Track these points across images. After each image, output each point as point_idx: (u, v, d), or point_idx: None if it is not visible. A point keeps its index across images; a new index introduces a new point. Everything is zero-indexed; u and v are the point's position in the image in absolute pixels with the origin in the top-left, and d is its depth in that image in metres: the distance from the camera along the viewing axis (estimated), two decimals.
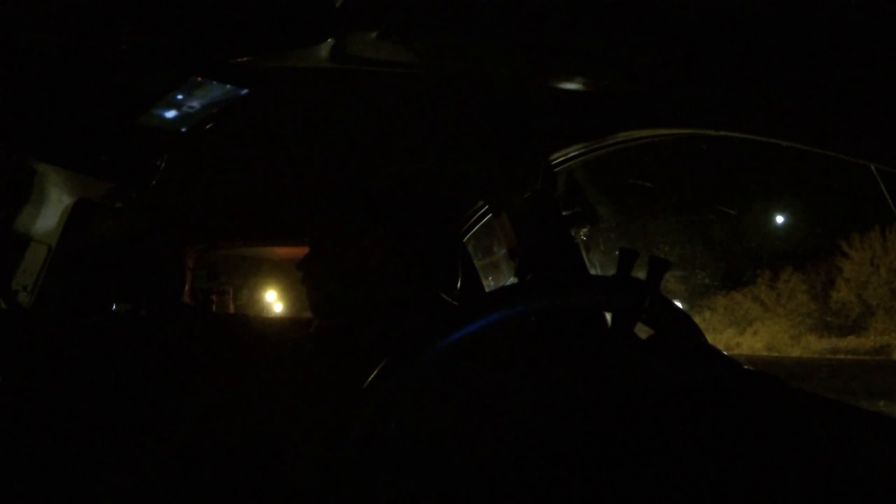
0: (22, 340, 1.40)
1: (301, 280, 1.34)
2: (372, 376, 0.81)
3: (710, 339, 1.02)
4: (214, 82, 1.16)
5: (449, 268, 1.39)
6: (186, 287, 2.40)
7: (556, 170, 1.78)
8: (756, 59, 1.08)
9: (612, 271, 1.00)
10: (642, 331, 1.06)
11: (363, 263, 1.27)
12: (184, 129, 1.30)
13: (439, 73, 1.33)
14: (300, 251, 1.39)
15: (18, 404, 1.30)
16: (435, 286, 1.29)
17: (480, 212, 2.09)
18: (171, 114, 1.24)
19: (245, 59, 1.12)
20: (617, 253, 1.06)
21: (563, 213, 1.85)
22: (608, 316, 1.20)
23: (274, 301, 7.17)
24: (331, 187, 1.37)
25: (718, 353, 0.93)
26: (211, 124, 1.29)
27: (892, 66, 0.93)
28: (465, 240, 2.13)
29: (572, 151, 1.73)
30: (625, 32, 1.09)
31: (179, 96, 1.18)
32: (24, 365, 1.35)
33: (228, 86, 1.17)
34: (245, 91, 1.19)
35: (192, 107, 1.22)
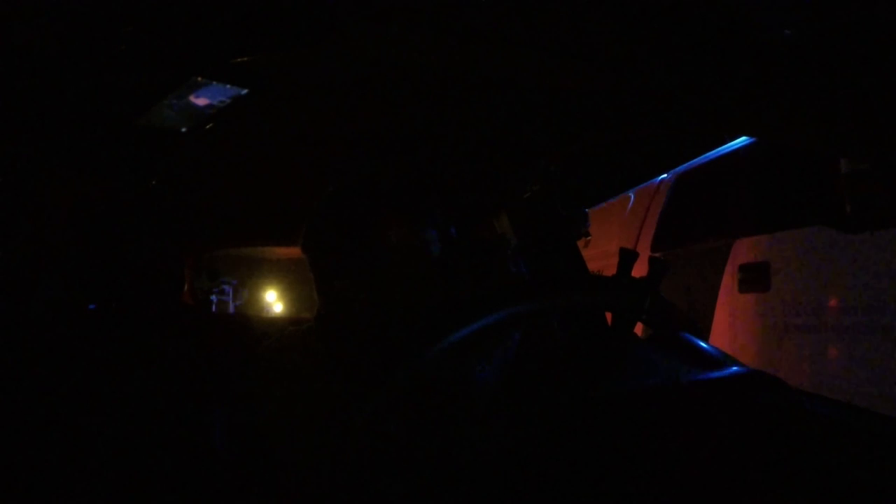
0: (21, 340, 1.40)
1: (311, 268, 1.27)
2: (372, 377, 0.81)
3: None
4: (214, 82, 1.16)
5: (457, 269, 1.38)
6: (186, 287, 2.40)
7: (556, 170, 1.78)
8: (756, 59, 1.09)
9: None
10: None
11: (377, 260, 1.20)
12: (184, 129, 1.30)
13: (439, 73, 1.33)
14: (300, 251, 1.37)
15: (17, 403, 1.30)
16: (443, 289, 1.25)
17: (480, 212, 2.08)
18: (171, 114, 1.24)
19: (245, 59, 1.12)
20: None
21: (563, 214, 1.85)
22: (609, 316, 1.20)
23: (274, 301, 7.17)
24: (344, 183, 1.31)
25: (718, 352, 0.93)
26: (211, 124, 1.29)
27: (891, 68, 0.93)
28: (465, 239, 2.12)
29: (572, 151, 1.73)
30: (626, 33, 1.10)
31: (179, 96, 1.18)
32: (22, 364, 1.35)
33: (228, 86, 1.17)
34: (245, 91, 1.19)
35: (192, 107, 1.22)
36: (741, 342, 3.11)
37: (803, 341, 2.84)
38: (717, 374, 0.86)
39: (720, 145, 3.68)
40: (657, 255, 3.84)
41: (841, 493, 0.66)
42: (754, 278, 3.12)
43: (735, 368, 0.87)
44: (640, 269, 0.93)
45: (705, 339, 1.02)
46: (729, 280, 3.23)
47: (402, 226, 1.23)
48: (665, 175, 4.18)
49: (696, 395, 0.81)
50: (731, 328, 3.20)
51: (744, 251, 3.19)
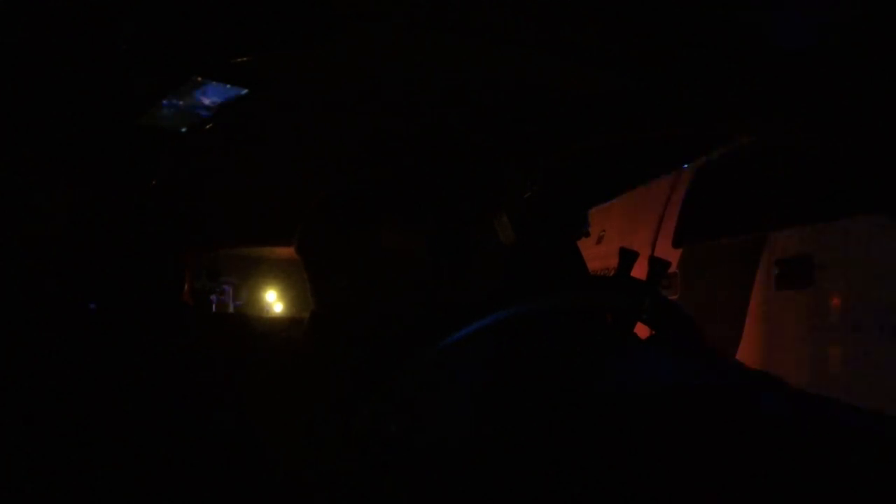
0: (21, 340, 1.40)
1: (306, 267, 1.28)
2: (372, 376, 0.81)
3: None
4: (214, 82, 1.16)
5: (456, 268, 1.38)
6: (186, 287, 2.40)
7: (556, 169, 1.78)
8: (755, 59, 1.09)
9: None
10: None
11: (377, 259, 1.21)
12: (184, 129, 1.30)
13: (439, 72, 1.33)
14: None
15: (17, 403, 1.30)
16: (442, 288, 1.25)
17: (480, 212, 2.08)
18: (171, 114, 1.24)
19: (245, 59, 1.12)
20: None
21: (563, 214, 1.85)
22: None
23: (274, 301, 7.18)
24: (341, 183, 1.32)
25: (719, 352, 0.93)
26: (211, 124, 1.29)
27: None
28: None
29: (572, 151, 1.73)
30: (626, 33, 1.10)
31: (179, 96, 1.18)
32: (23, 364, 1.35)
33: (228, 86, 1.17)
34: (245, 91, 1.19)
35: (192, 107, 1.22)
36: (778, 344, 2.85)
37: (853, 344, 2.55)
38: (718, 374, 0.86)
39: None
40: (679, 249, 3.53)
41: (839, 492, 0.66)
42: (795, 274, 2.79)
43: (737, 369, 0.87)
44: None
45: (734, 341, 1.02)
46: (764, 276, 2.94)
47: (396, 227, 1.24)
48: (685, 164, 3.83)
49: (697, 396, 0.81)
50: (767, 328, 2.92)
51: (781, 244, 2.89)
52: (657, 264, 1.04)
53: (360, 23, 1.05)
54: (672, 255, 3.48)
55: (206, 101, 1.21)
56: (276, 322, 3.20)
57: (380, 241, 1.21)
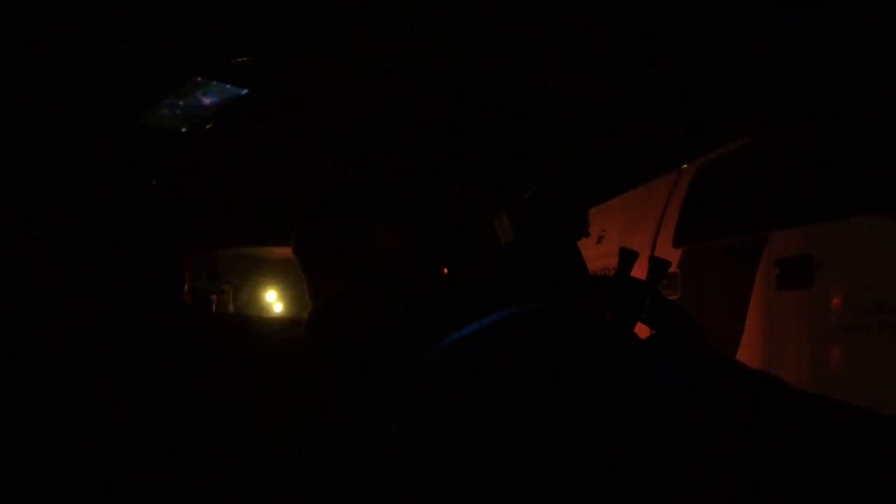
0: (21, 340, 1.40)
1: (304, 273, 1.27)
2: (372, 376, 0.81)
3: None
4: (214, 82, 1.16)
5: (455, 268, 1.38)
6: (186, 287, 2.40)
7: (556, 169, 1.78)
8: (754, 59, 1.09)
9: None
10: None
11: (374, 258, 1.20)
12: (184, 129, 1.30)
13: (439, 72, 1.33)
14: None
15: (17, 403, 1.30)
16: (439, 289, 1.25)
17: (480, 211, 2.08)
18: (171, 114, 1.24)
19: (245, 59, 1.12)
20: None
21: (563, 214, 1.85)
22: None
23: (274, 301, 7.18)
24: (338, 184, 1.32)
25: (719, 352, 0.93)
26: (211, 124, 1.29)
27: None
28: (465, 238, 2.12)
29: (572, 151, 1.73)
30: (626, 33, 1.10)
31: (179, 96, 1.18)
32: (23, 364, 1.35)
33: (228, 86, 1.17)
34: (245, 91, 1.19)
35: (192, 107, 1.22)
36: (778, 344, 2.85)
37: (853, 344, 2.54)
38: (718, 374, 0.86)
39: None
40: (679, 249, 3.56)
41: (842, 492, 0.66)
42: (795, 274, 2.79)
43: (736, 369, 0.87)
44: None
45: (734, 341, 1.01)
46: (764, 276, 2.92)
47: (396, 227, 1.24)
48: (685, 164, 3.79)
49: (696, 396, 0.81)
50: (767, 329, 2.91)
51: (781, 244, 2.87)
52: (657, 264, 1.04)
53: (361, 22, 1.05)
54: (672, 255, 3.45)
55: (206, 101, 1.21)
56: (276, 322, 3.20)
57: (379, 241, 1.21)
